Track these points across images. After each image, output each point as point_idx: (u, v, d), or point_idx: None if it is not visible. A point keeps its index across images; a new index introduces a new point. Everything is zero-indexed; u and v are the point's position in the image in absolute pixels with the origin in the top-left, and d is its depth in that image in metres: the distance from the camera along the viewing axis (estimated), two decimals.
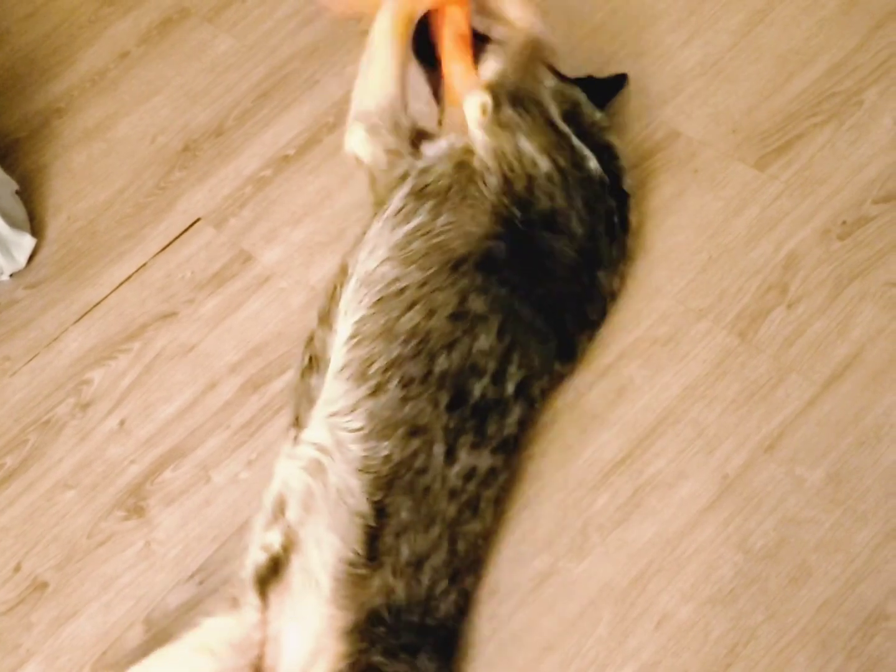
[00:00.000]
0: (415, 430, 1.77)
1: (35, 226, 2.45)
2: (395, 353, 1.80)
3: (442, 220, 1.90)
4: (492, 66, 2.03)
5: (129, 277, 2.36)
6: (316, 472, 1.75)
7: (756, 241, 2.14)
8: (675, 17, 2.48)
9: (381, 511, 1.73)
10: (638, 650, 1.80)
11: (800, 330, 2.02)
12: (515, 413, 1.88)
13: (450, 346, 1.81)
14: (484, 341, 1.84)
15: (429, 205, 1.92)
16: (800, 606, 1.78)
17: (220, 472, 2.08)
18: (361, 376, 1.79)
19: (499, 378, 1.85)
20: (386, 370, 1.79)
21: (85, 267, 2.39)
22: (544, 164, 1.95)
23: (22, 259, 2.40)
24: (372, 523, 1.72)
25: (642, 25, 2.48)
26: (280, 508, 1.76)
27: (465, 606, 1.82)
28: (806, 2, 2.42)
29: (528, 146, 1.95)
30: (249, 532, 1.82)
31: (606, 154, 2.07)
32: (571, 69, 2.39)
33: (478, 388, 1.83)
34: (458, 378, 1.81)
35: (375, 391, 1.78)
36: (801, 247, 2.11)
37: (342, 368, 1.82)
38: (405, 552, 1.73)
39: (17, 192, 2.47)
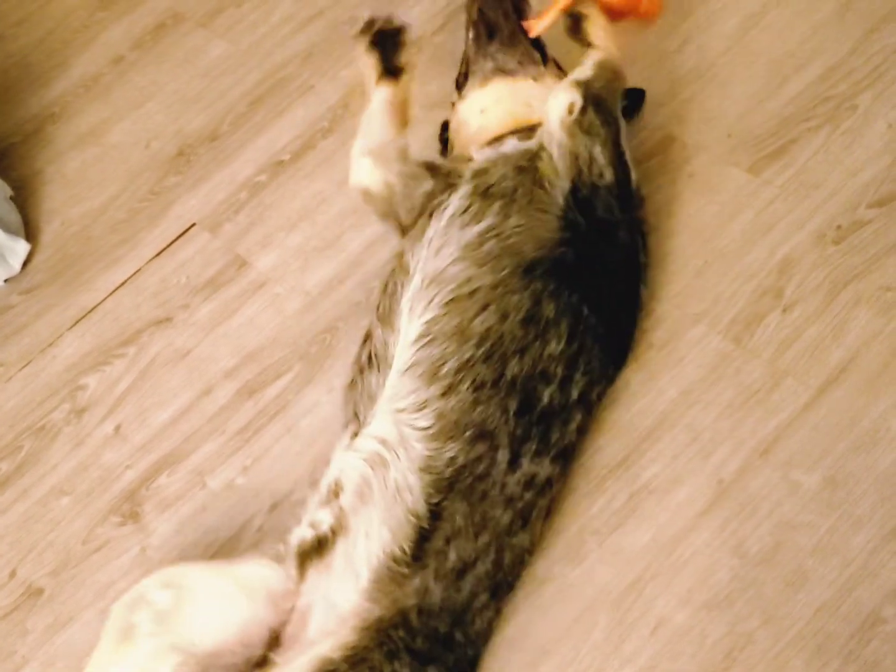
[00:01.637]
0: (482, 434, 1.76)
1: (29, 231, 2.45)
2: (467, 355, 1.79)
3: (512, 221, 1.89)
4: (584, 70, 2.03)
5: (124, 283, 2.36)
6: (377, 464, 1.75)
7: (751, 245, 2.14)
8: (669, 23, 2.48)
9: (436, 513, 1.72)
10: (634, 655, 1.79)
11: (795, 334, 2.03)
12: (576, 420, 1.87)
13: (522, 351, 1.81)
14: (554, 346, 1.83)
15: (497, 206, 1.91)
16: (796, 611, 1.78)
17: (216, 478, 2.07)
18: (433, 376, 1.79)
19: (566, 384, 1.84)
20: (458, 371, 1.78)
21: (79, 272, 2.39)
22: (609, 176, 1.96)
23: (16, 265, 2.39)
24: (425, 524, 1.71)
25: (637, 31, 2.48)
26: (335, 492, 1.76)
27: (494, 628, 1.80)
28: (800, 6, 2.42)
29: (600, 155, 1.96)
30: (302, 506, 1.81)
31: None
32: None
33: (546, 395, 1.82)
34: (528, 383, 1.80)
35: (446, 392, 1.77)
36: (795, 251, 2.12)
37: (411, 366, 1.81)
38: (452, 557, 1.71)
39: (11, 198, 2.47)
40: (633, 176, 2.03)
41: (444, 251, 1.88)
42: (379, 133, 2.03)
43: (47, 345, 2.30)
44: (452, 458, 1.74)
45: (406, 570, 1.70)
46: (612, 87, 2.03)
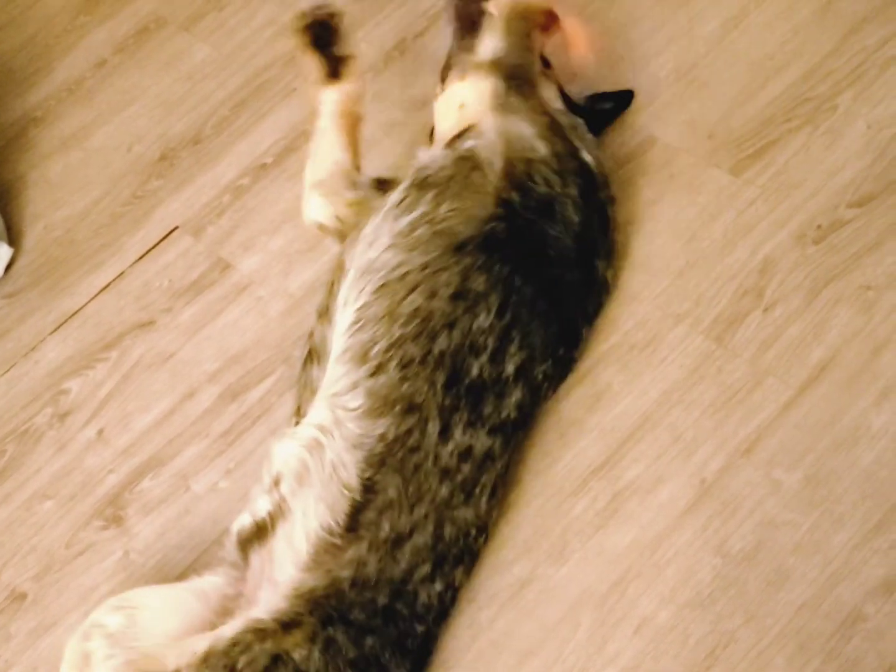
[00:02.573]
0: (410, 408, 1.78)
1: (12, 235, 2.44)
2: (396, 335, 1.81)
3: (445, 206, 1.91)
4: (489, 44, 2.07)
5: (107, 286, 2.35)
6: (314, 448, 1.77)
7: (732, 246, 2.15)
8: (650, 25, 2.49)
9: (369, 487, 1.74)
10: (617, 655, 1.80)
11: (776, 334, 2.03)
12: (515, 395, 1.87)
13: (450, 326, 1.82)
14: (484, 319, 1.84)
15: (430, 195, 1.93)
16: (778, 609, 1.78)
17: (199, 481, 2.07)
18: (363, 357, 1.81)
19: (498, 357, 1.85)
20: (387, 351, 1.81)
21: (62, 276, 2.39)
22: (542, 148, 1.98)
23: None
24: (358, 497, 1.73)
25: (617, 33, 2.49)
26: (276, 481, 1.78)
27: (449, 605, 1.80)
28: (780, 8, 2.43)
29: (528, 129, 1.99)
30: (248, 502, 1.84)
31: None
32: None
33: (475, 367, 1.83)
34: (457, 356, 1.82)
35: (375, 371, 1.80)
36: (776, 251, 2.12)
37: (343, 352, 1.84)
38: (385, 528, 1.73)
39: None
40: (590, 155, 2.05)
41: (376, 243, 1.91)
42: (328, 158, 2.05)
43: (30, 349, 2.29)
44: (383, 434, 1.76)
45: (340, 542, 1.71)
46: (524, 45, 2.06)
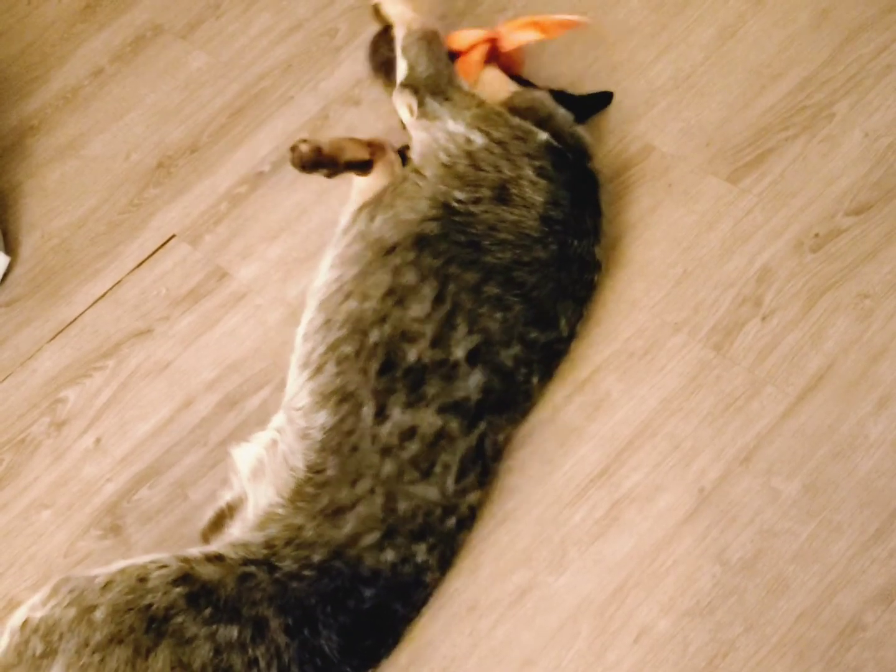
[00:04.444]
0: (344, 397, 1.85)
1: (9, 244, 2.44)
2: (332, 338, 1.91)
3: (378, 220, 2.00)
4: (401, 66, 2.15)
5: (104, 295, 2.35)
6: (270, 447, 1.89)
7: (730, 254, 2.15)
8: (647, 33, 2.49)
9: (311, 468, 1.82)
10: (617, 663, 1.80)
11: (774, 342, 2.03)
12: (474, 377, 1.88)
13: (382, 320, 1.89)
14: (418, 310, 1.89)
15: (365, 213, 2.03)
16: (777, 617, 1.79)
17: (197, 490, 2.07)
18: (305, 364, 1.92)
19: (441, 342, 1.87)
20: (324, 353, 1.90)
21: (59, 285, 2.38)
22: (478, 139, 2.02)
23: None
24: (301, 476, 1.82)
25: (614, 41, 2.50)
26: (237, 479, 1.91)
27: (410, 580, 1.80)
28: (777, 16, 2.44)
29: (457, 126, 2.04)
30: None
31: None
32: (544, 82, 2.41)
33: (412, 353, 1.86)
34: (390, 346, 1.87)
35: (315, 373, 1.90)
36: (774, 259, 2.13)
37: (294, 364, 1.95)
38: (324, 500, 1.79)
39: None
40: (555, 131, 2.09)
41: (323, 267, 2.02)
42: None
43: (27, 357, 2.29)
44: (322, 424, 1.85)
45: (281, 512, 1.79)
46: (433, 56, 2.13)
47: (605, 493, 1.95)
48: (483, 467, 1.89)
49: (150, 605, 1.64)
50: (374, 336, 1.88)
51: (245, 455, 1.91)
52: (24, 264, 2.43)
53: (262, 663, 1.66)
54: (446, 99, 2.09)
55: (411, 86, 2.11)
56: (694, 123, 2.33)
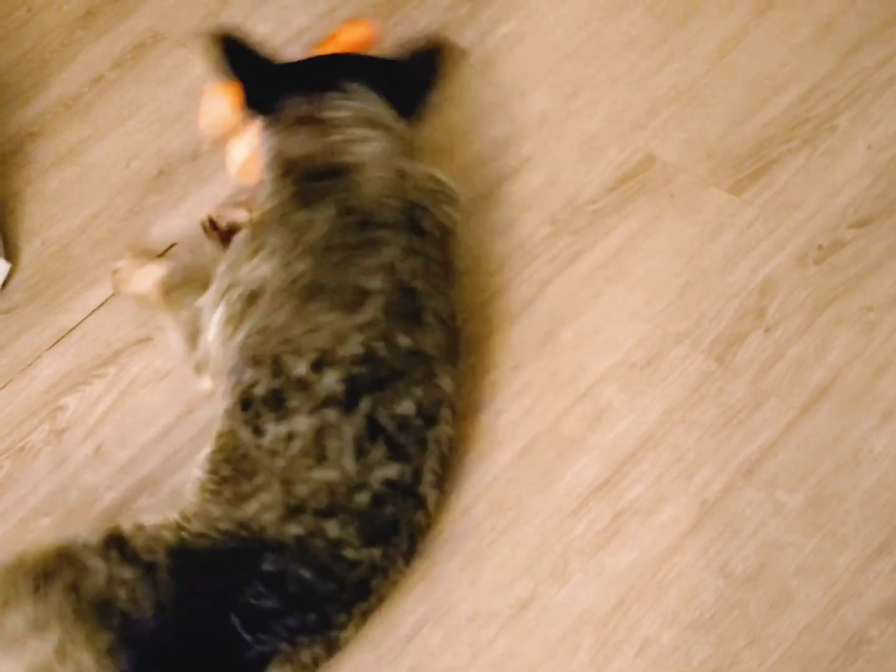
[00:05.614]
0: (221, 434, 1.88)
1: (8, 251, 2.43)
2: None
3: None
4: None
5: (104, 303, 2.34)
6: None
7: (732, 265, 2.15)
8: (649, 43, 2.49)
9: (209, 471, 1.85)
10: None
11: (777, 354, 2.04)
12: (327, 378, 1.83)
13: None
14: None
15: None
16: (781, 631, 1.78)
17: None
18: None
19: (278, 371, 1.86)
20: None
21: (59, 292, 2.37)
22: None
23: None
24: (203, 477, 1.85)
25: (616, 51, 2.50)
26: None
27: (322, 554, 1.77)
28: (779, 28, 2.44)
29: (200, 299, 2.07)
30: None
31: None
32: (545, 92, 2.41)
33: (260, 389, 1.86)
34: (242, 394, 1.88)
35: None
36: (777, 271, 2.13)
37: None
38: (226, 493, 1.80)
39: None
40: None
41: None
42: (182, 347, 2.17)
43: (26, 365, 2.28)
44: (209, 451, 1.88)
45: (192, 503, 1.82)
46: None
47: (607, 505, 1.95)
48: (390, 441, 1.83)
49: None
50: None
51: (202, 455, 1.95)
52: (24, 271, 2.41)
53: (146, 602, 1.68)
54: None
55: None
56: (696, 134, 2.34)
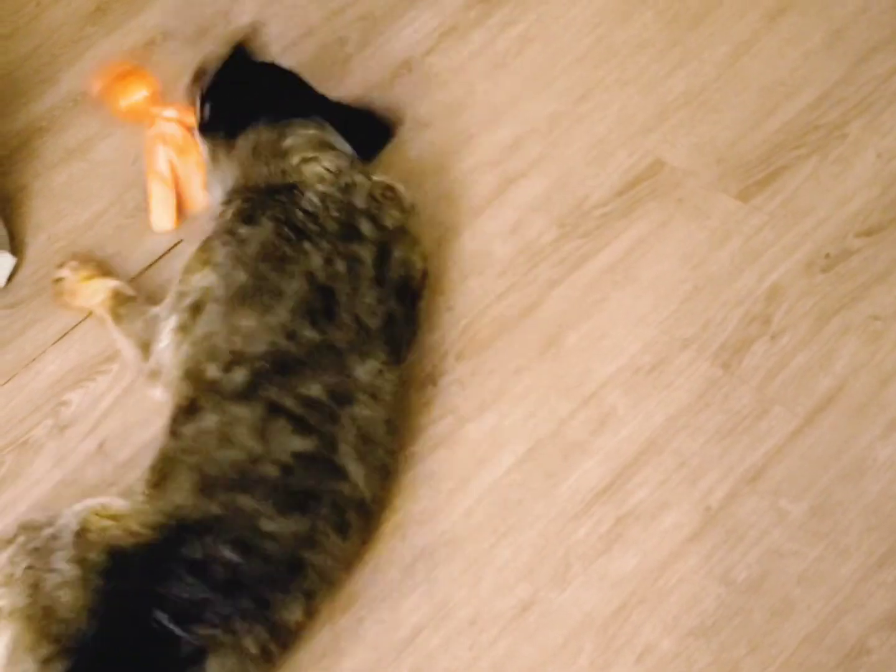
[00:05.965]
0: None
1: (15, 246, 2.42)
2: None
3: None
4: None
5: None
6: None
7: (740, 271, 2.15)
8: (660, 47, 2.49)
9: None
10: None
11: (783, 362, 2.03)
12: (234, 376, 1.91)
13: None
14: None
15: None
16: (782, 639, 1.78)
17: None
18: None
19: (197, 379, 1.96)
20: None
21: None
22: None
23: (1, 278, 2.38)
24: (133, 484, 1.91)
25: (626, 54, 2.49)
26: None
27: (240, 520, 1.81)
28: (791, 34, 2.44)
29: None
30: None
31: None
32: (555, 94, 2.41)
33: (181, 399, 1.96)
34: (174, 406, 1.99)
35: None
36: (784, 278, 2.12)
37: None
38: (152, 494, 1.85)
39: None
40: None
41: None
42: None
43: (31, 360, 2.28)
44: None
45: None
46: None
47: (610, 509, 1.94)
48: (294, 418, 1.88)
49: None
50: None
51: None
52: (30, 266, 2.41)
53: (82, 610, 1.69)
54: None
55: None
56: (706, 139, 2.33)
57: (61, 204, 2.50)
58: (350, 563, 1.90)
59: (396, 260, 2.06)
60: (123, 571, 1.72)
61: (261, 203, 2.07)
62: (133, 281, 2.34)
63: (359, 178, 2.11)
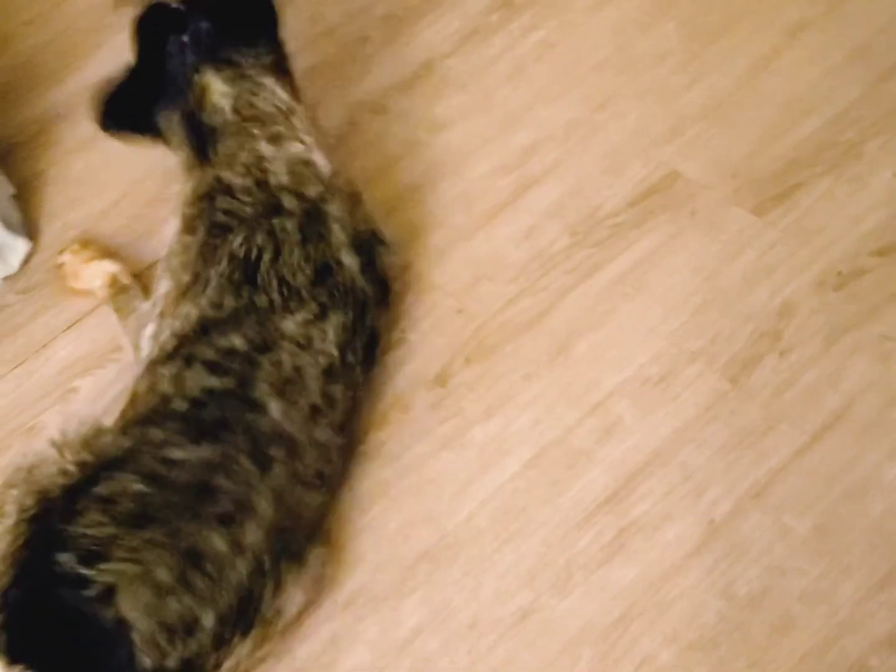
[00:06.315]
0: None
1: (30, 232, 2.43)
2: None
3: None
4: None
5: None
6: None
7: (751, 286, 2.15)
8: (679, 59, 2.49)
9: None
10: None
11: (791, 378, 2.03)
12: (163, 344, 2.00)
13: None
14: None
15: None
16: (782, 656, 1.78)
17: None
18: None
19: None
20: None
21: None
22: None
23: (15, 263, 2.38)
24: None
25: (646, 65, 2.50)
26: None
27: (144, 458, 1.83)
28: (811, 51, 2.44)
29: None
30: None
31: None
32: (573, 102, 2.41)
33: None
34: None
35: None
36: (795, 295, 2.12)
37: None
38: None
39: (13, 197, 2.45)
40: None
41: None
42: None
43: (41, 346, 2.28)
44: None
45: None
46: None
47: (613, 519, 1.94)
48: (208, 364, 1.95)
49: None
50: None
51: None
52: (44, 252, 2.42)
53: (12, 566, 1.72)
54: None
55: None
56: (722, 153, 2.33)
57: (77, 192, 2.51)
58: (280, 495, 1.84)
59: (334, 219, 2.09)
60: (46, 515, 1.74)
61: (198, 212, 2.13)
62: (146, 271, 2.34)
63: (274, 151, 2.14)
